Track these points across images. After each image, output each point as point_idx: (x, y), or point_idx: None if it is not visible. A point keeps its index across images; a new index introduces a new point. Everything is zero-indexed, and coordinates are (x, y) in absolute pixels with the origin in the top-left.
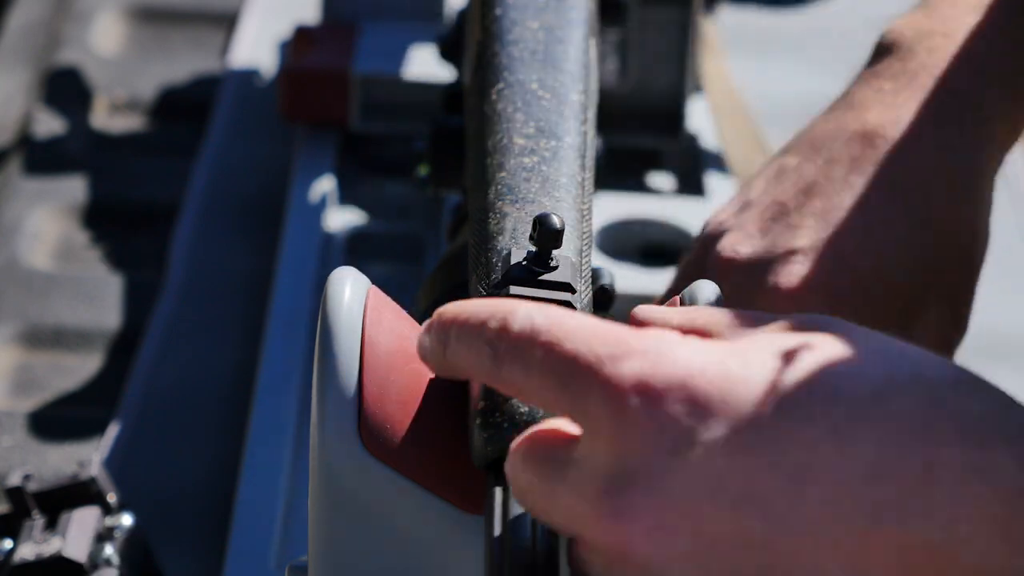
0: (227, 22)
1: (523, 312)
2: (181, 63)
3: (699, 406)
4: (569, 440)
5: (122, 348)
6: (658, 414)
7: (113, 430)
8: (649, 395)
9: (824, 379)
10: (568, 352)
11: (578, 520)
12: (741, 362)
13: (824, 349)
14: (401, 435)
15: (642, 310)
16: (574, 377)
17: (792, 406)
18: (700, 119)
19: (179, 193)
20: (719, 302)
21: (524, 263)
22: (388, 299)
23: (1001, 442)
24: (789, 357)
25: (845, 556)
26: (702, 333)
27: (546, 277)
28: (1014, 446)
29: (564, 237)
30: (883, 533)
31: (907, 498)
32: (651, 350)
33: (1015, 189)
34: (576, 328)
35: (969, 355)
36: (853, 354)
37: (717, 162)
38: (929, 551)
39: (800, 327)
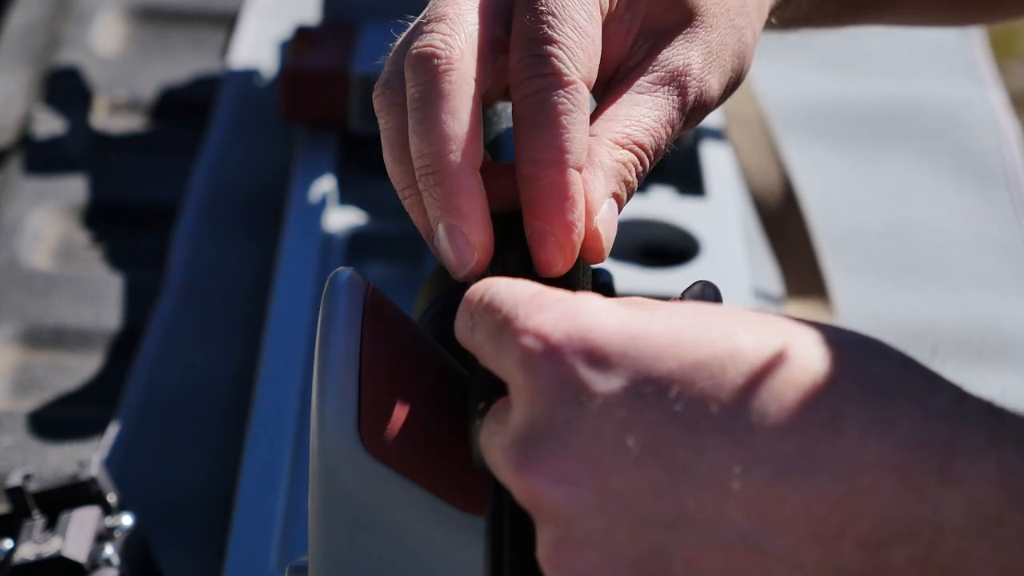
0: (227, 22)
1: (493, 285)
2: (181, 63)
3: (597, 358)
4: (509, 402)
5: (122, 348)
6: (558, 366)
7: (113, 430)
8: (549, 347)
9: (726, 338)
10: (497, 311)
11: (501, 473)
12: (643, 321)
13: (726, 315)
14: (401, 435)
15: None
16: (500, 334)
17: (691, 361)
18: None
19: (179, 193)
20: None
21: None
22: (388, 299)
23: (902, 397)
24: (691, 320)
25: (751, 507)
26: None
27: (544, 278)
28: (916, 401)
29: None
30: (787, 484)
31: (811, 450)
32: (560, 307)
33: (1015, 190)
34: (514, 292)
35: (969, 355)
36: (754, 319)
37: (718, 162)
38: (834, 502)
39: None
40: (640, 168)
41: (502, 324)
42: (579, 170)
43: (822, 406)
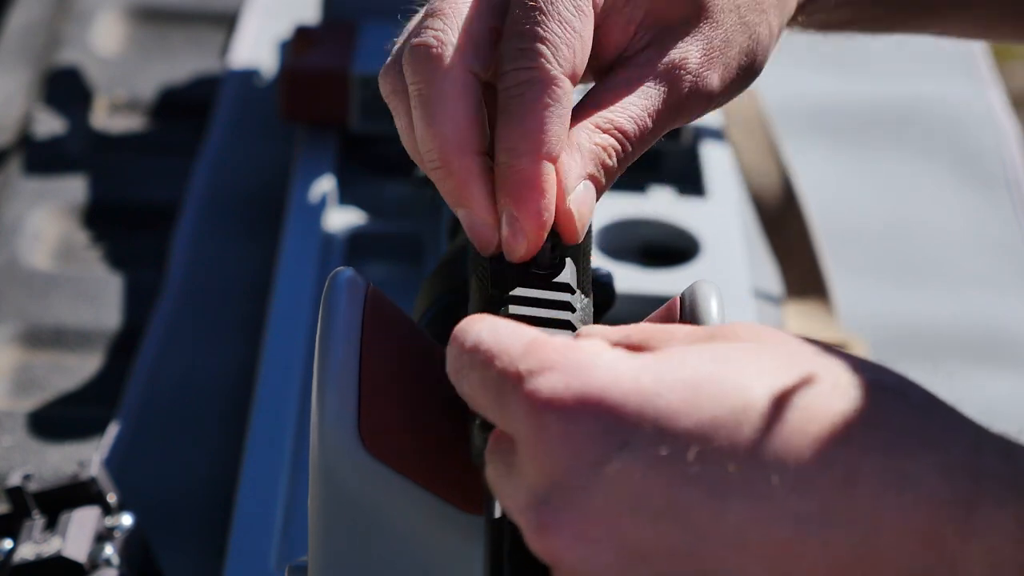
0: (227, 22)
1: (475, 328)
2: (181, 63)
3: (614, 421)
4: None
5: (122, 348)
6: (573, 430)
7: (113, 430)
8: (564, 411)
9: (741, 391)
10: (497, 368)
11: (517, 522)
12: (656, 375)
13: (740, 360)
14: (401, 435)
15: (584, 328)
16: (503, 393)
17: (708, 419)
18: (701, 119)
19: (179, 193)
20: (719, 303)
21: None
22: (387, 299)
23: (921, 448)
24: (705, 371)
25: (771, 563)
26: (637, 348)
27: (545, 278)
28: (934, 452)
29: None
30: (807, 542)
31: (829, 507)
32: (571, 365)
33: (1015, 190)
34: (510, 344)
35: (969, 355)
36: (769, 363)
37: (718, 162)
38: (854, 559)
39: (723, 336)
40: (621, 153)
41: (500, 380)
42: (552, 161)
43: (839, 460)
